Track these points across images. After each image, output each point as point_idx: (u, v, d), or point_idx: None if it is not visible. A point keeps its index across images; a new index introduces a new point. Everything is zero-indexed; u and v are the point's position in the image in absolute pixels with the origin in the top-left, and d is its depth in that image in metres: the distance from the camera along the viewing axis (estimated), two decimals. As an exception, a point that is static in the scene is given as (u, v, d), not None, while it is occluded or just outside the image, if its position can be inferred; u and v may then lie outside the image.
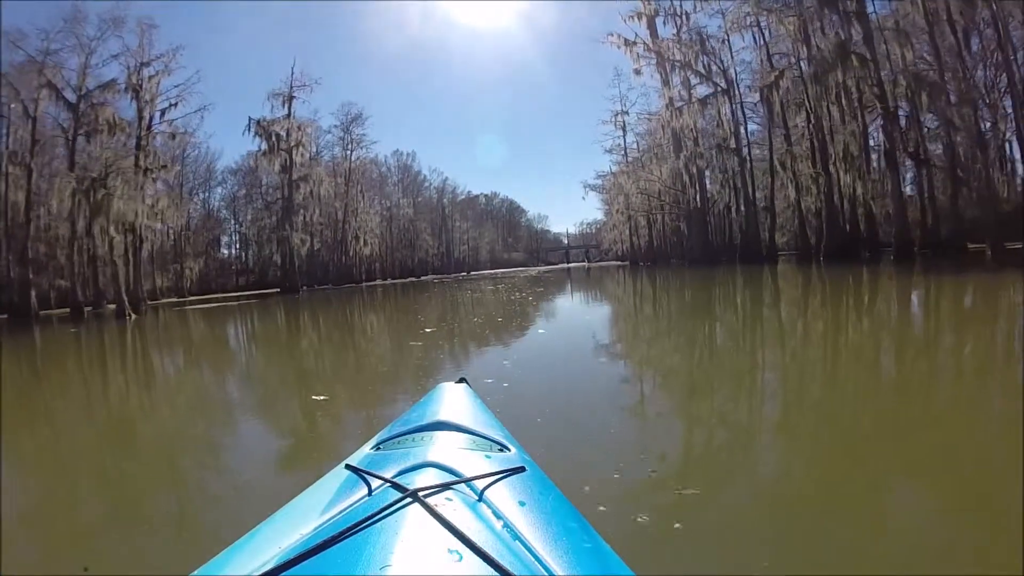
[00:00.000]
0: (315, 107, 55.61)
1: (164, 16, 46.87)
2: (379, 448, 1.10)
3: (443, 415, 1.17)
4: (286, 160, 42.75)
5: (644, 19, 31.19)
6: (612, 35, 31.64)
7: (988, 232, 18.82)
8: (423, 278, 57.28)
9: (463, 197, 79.50)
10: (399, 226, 62.65)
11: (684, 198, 33.38)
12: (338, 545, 0.64)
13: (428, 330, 9.26)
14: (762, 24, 26.92)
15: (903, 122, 21.95)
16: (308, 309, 19.93)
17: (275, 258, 45.94)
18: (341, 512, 0.79)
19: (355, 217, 50.63)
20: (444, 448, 0.99)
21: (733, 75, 29.38)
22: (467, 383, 1.51)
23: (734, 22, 27.46)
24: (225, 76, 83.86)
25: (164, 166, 34.03)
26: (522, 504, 0.82)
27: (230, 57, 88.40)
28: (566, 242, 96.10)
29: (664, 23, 31.24)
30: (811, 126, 24.82)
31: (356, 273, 50.33)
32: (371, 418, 3.98)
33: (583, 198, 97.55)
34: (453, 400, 1.32)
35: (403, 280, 54.63)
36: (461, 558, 0.61)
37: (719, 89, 28.81)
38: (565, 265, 77.22)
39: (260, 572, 0.64)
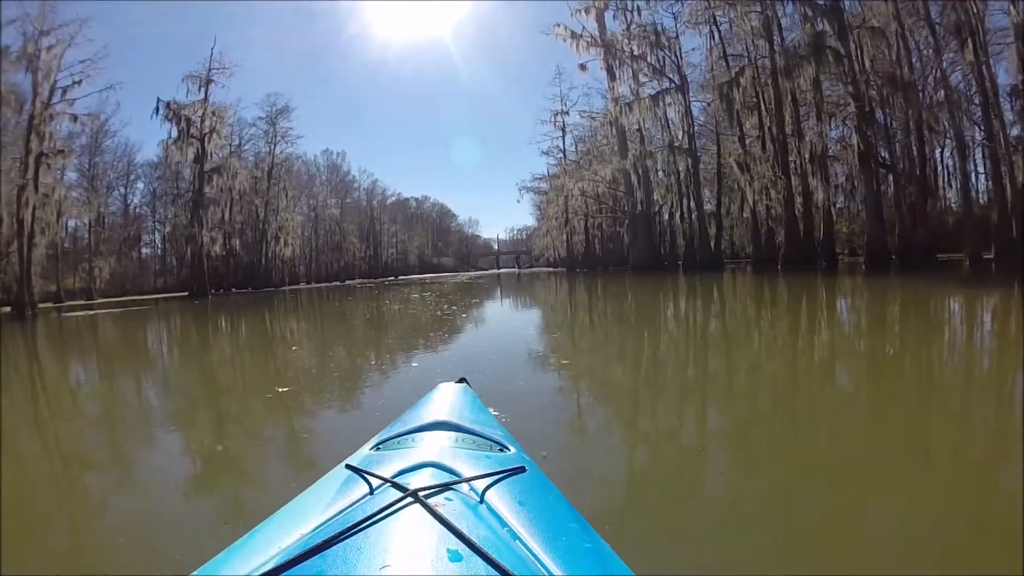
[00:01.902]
0: (238, 95, 49.21)
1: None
2: (379, 448, 1.04)
3: (443, 415, 1.12)
4: (200, 149, 37.07)
5: (593, 12, 28.35)
6: (559, 26, 28.53)
7: (966, 240, 17.10)
8: (348, 282, 52.04)
9: (393, 199, 74.71)
10: (325, 227, 57.28)
11: (630, 201, 30.73)
12: (338, 545, 0.62)
13: (281, 389, 4.88)
14: (719, 21, 24.71)
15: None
16: (179, 325, 15.03)
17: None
18: (341, 512, 0.76)
19: (276, 216, 45.02)
20: (444, 448, 0.95)
21: (686, 71, 27.00)
22: (467, 383, 1.44)
23: (691, 15, 25.02)
24: (154, 65, 74.11)
25: (61, 151, 28.63)
26: (522, 504, 0.79)
27: (167, 48, 78.77)
28: (496, 248, 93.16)
29: (614, 18, 28.55)
30: (770, 128, 22.72)
31: (277, 276, 44.74)
32: None
33: (518, 201, 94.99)
34: (453, 400, 1.26)
35: (327, 284, 49.25)
36: (461, 558, 0.59)
37: (673, 85, 26.31)
38: (496, 271, 73.77)
39: (260, 572, 0.62)
